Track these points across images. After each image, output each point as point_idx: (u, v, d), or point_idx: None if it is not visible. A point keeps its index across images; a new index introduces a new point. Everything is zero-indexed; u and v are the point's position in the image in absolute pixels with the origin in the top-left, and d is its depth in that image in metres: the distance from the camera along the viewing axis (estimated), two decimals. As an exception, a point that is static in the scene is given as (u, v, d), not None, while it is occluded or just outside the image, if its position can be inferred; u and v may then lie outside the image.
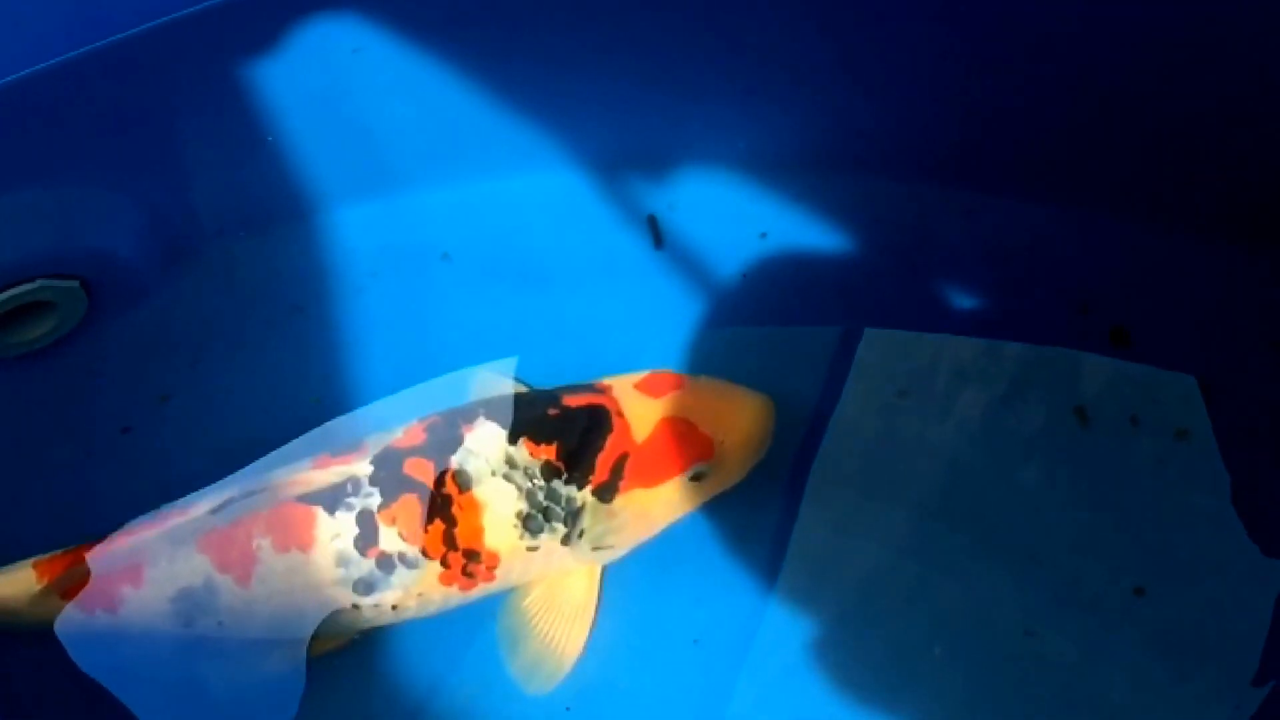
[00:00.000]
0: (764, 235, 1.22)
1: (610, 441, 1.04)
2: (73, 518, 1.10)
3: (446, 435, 1.05)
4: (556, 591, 1.08)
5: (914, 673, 1.07)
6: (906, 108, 1.19)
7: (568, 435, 1.04)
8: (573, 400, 1.07)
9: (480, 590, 1.07)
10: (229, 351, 1.22)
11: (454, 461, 1.04)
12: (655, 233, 1.23)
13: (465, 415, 1.07)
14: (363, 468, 1.04)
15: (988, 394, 1.15)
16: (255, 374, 1.21)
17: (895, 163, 1.20)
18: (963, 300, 1.17)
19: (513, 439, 1.04)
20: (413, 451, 1.05)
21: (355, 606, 1.05)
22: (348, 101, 1.19)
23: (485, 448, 1.04)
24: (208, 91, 1.14)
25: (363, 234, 1.25)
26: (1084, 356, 1.13)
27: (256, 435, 1.11)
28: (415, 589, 1.05)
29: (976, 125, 1.18)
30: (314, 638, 1.08)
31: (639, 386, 1.08)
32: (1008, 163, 1.19)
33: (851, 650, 1.08)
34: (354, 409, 1.17)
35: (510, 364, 1.15)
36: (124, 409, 1.19)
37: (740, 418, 1.08)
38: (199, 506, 1.05)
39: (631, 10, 1.16)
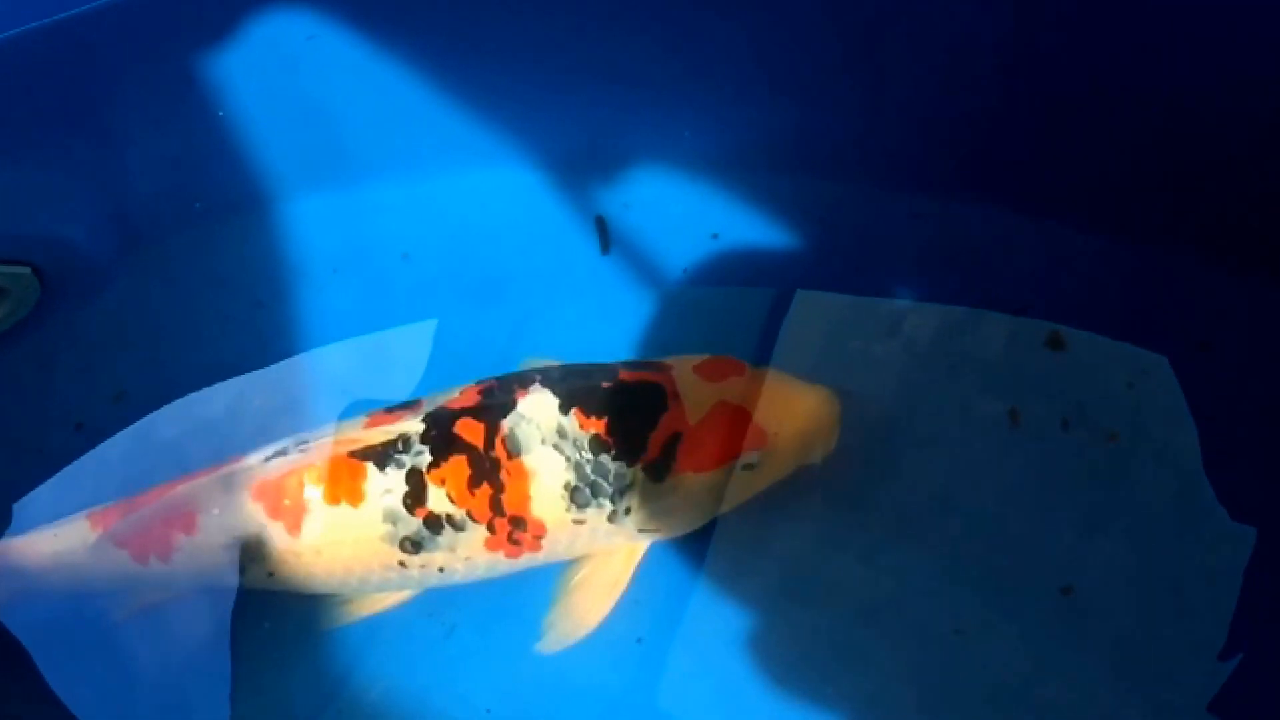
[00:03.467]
0: (715, 236, 1.23)
1: (664, 421, 1.01)
2: (23, 515, 1.10)
3: (500, 399, 1.04)
4: (594, 567, 1.07)
5: (848, 671, 1.07)
6: (857, 113, 1.20)
7: (620, 410, 1.02)
8: (629, 375, 1.04)
9: (526, 560, 1.06)
10: (186, 347, 1.21)
11: (505, 426, 1.02)
12: (603, 237, 1.23)
13: (521, 380, 1.05)
14: (414, 425, 1.03)
15: (925, 395, 1.15)
16: (213, 370, 1.20)
17: (844, 167, 1.22)
18: (905, 302, 1.18)
19: (565, 409, 1.02)
20: (465, 412, 1.03)
21: (403, 565, 1.05)
22: (305, 92, 1.19)
23: (537, 415, 1.02)
24: (163, 79, 1.13)
25: (324, 230, 1.24)
26: (1019, 359, 1.14)
27: (214, 434, 1.12)
28: (462, 552, 1.04)
29: (924, 132, 1.19)
30: (362, 596, 1.09)
31: (699, 369, 1.05)
32: (952, 168, 1.20)
33: (788, 648, 1.08)
34: (313, 405, 1.17)
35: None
36: (77, 405, 1.18)
37: (797, 411, 1.05)
38: (253, 455, 1.06)
39: (589, 12, 1.15)
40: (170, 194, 1.20)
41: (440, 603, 1.10)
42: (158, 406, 1.17)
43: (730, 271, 1.22)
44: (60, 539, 1.06)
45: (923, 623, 1.08)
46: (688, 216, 1.23)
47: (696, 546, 1.11)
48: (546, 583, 1.08)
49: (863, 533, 1.11)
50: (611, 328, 1.19)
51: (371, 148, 1.23)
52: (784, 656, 1.08)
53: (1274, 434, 1.09)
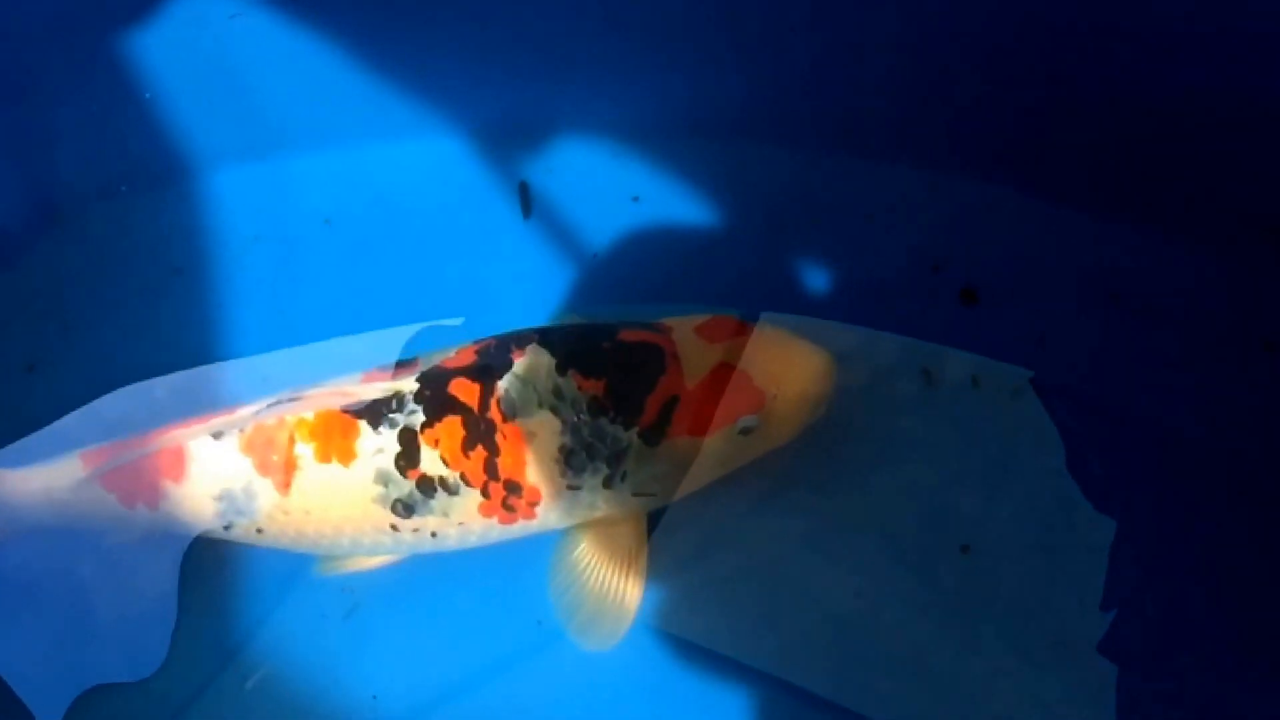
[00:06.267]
0: (637, 199, 1.22)
1: (662, 383, 0.97)
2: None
3: (496, 359, 1.00)
4: (604, 542, 1.03)
5: (754, 637, 1.06)
6: (773, 75, 1.20)
7: (618, 372, 0.98)
8: (629, 336, 1.00)
9: (521, 527, 1.02)
10: (103, 316, 1.20)
11: (500, 387, 0.98)
12: (525, 202, 1.22)
13: (518, 340, 1.02)
14: (408, 384, 1.00)
15: (843, 355, 1.11)
16: (131, 339, 1.18)
17: (763, 128, 1.22)
18: (824, 261, 1.18)
19: (562, 370, 0.98)
20: (460, 372, 1.00)
21: (394, 528, 1.01)
22: (227, 65, 1.19)
23: (534, 375, 0.98)
24: (84, 54, 1.13)
25: (244, 198, 1.24)
26: (935, 316, 1.15)
27: (130, 404, 1.10)
28: (455, 517, 1.00)
29: (838, 93, 1.19)
30: (354, 557, 1.07)
31: (699, 330, 1.01)
32: (867, 129, 1.21)
33: (687, 615, 1.07)
34: (233, 372, 1.16)
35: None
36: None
37: (796, 373, 1.00)
38: (245, 408, 1.03)
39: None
40: (87, 166, 1.20)
41: (346, 581, 1.08)
42: (73, 378, 1.16)
43: (651, 234, 1.21)
44: (51, 476, 1.04)
45: (825, 586, 1.07)
46: (609, 181, 1.23)
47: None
48: (457, 568, 1.07)
49: (772, 495, 1.08)
50: (535, 292, 1.18)
51: (294, 118, 1.24)
52: (684, 623, 1.06)
53: (1178, 380, 1.11)
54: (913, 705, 1.03)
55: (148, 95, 1.18)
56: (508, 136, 1.25)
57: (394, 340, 1.15)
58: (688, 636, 1.06)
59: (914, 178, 1.19)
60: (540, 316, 1.17)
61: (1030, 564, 1.06)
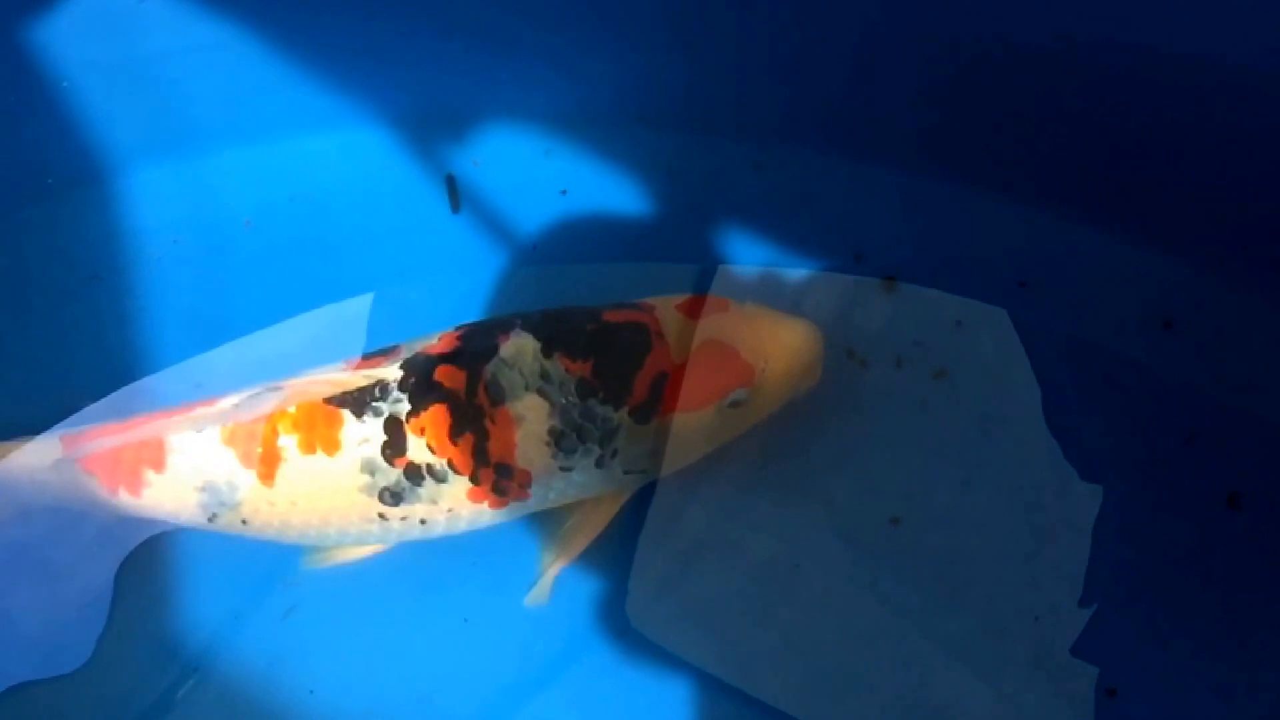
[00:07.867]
0: (564, 192, 1.23)
1: (649, 361, 0.99)
2: None
3: (481, 344, 1.00)
4: (584, 513, 1.05)
5: (691, 610, 1.09)
6: (700, 67, 1.21)
7: (605, 352, 0.99)
8: (613, 316, 1.01)
9: (512, 509, 1.03)
10: (19, 323, 1.18)
11: (487, 372, 0.99)
12: (453, 196, 1.22)
13: (502, 325, 1.02)
14: (392, 372, 1.00)
15: None
16: (48, 346, 1.17)
17: (689, 120, 1.24)
18: (751, 250, 1.21)
19: (548, 352, 0.99)
20: (445, 359, 1.00)
21: (382, 516, 1.02)
22: (139, 59, 1.17)
23: (520, 360, 0.99)
24: None
25: (163, 199, 1.22)
26: (858, 301, 1.18)
27: (49, 409, 1.09)
28: (444, 504, 1.01)
29: (760, 84, 1.21)
30: (342, 546, 1.07)
31: (682, 308, 1.02)
32: (788, 119, 1.23)
33: (618, 593, 1.09)
34: (163, 380, 1.15)
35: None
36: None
37: (782, 346, 1.02)
38: (227, 399, 1.03)
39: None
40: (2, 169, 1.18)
41: (287, 578, 1.09)
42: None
43: (579, 227, 1.22)
44: (30, 454, 1.04)
45: (760, 560, 1.09)
46: (535, 173, 1.23)
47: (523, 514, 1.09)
48: (391, 567, 1.08)
49: (702, 473, 1.10)
50: (461, 286, 1.19)
51: (210, 114, 1.22)
52: (616, 605, 1.08)
53: (1084, 361, 1.15)
54: (853, 674, 1.06)
55: (56, 93, 1.15)
56: (432, 128, 1.24)
57: (325, 340, 1.15)
58: (615, 616, 1.08)
59: (837, 169, 1.21)
60: (472, 312, 1.16)
61: (958, 539, 1.09)
